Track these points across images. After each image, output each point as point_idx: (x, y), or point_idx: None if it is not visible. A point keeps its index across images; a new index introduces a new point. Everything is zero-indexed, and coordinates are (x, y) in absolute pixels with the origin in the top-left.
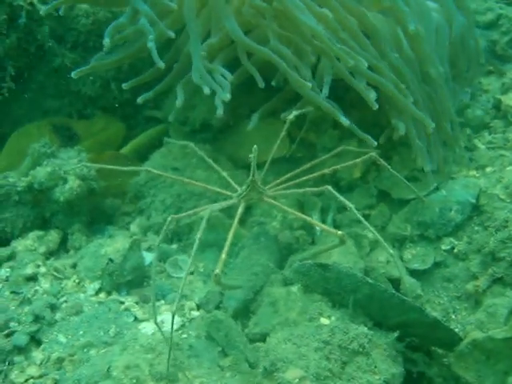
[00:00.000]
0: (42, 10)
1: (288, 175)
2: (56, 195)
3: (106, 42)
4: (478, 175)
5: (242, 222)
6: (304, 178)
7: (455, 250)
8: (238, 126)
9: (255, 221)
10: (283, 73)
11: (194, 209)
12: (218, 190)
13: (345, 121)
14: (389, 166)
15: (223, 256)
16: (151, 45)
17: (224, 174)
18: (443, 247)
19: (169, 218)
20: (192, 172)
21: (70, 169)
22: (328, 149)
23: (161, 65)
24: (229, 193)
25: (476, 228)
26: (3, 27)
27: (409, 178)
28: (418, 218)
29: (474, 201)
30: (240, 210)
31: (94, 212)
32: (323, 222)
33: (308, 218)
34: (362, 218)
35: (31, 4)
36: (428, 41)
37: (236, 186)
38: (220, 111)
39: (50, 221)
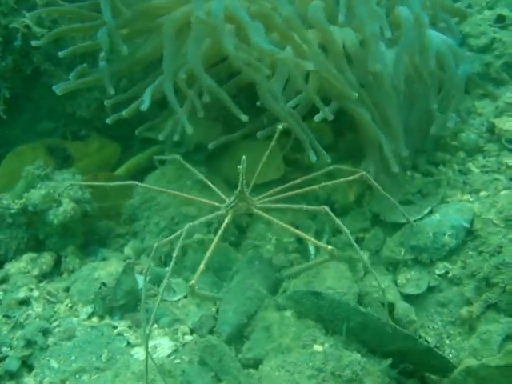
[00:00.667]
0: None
1: (278, 188)
2: (50, 218)
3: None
4: (472, 199)
5: (236, 244)
6: (293, 192)
7: (449, 275)
8: (233, 148)
9: (249, 244)
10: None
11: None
12: (205, 200)
13: (312, 157)
14: (379, 187)
15: (201, 267)
16: (102, 64)
17: (210, 184)
18: (437, 272)
19: (155, 245)
20: (187, 194)
21: (62, 190)
22: (325, 173)
23: (110, 90)
24: (216, 204)
25: (470, 253)
26: None
27: (403, 201)
28: (412, 242)
29: (468, 225)
30: (226, 221)
31: (88, 234)
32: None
33: (298, 232)
34: (356, 244)
35: (27, 27)
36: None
37: (224, 197)
38: (177, 138)
39: (44, 243)
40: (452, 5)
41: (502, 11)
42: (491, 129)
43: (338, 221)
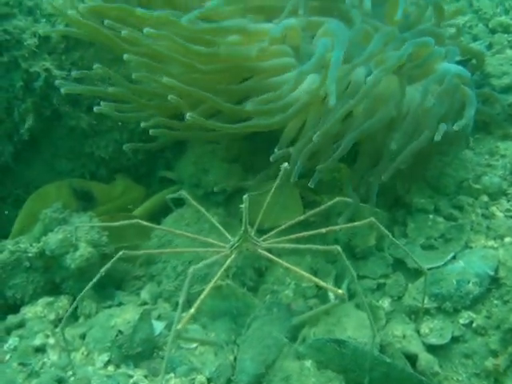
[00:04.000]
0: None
1: (283, 226)
2: (67, 262)
3: None
4: (496, 245)
5: (254, 289)
6: (301, 234)
7: (474, 325)
8: (252, 189)
9: (267, 289)
10: None
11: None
12: (210, 240)
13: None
14: (389, 233)
15: (192, 311)
16: None
17: (214, 221)
18: (461, 321)
19: (120, 253)
20: (205, 237)
21: (73, 233)
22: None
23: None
24: (221, 243)
25: (495, 302)
26: (19, 93)
27: (425, 246)
28: (435, 289)
29: (492, 273)
30: (228, 261)
31: (105, 276)
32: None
33: (306, 274)
34: (360, 289)
35: (47, 70)
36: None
37: (230, 237)
38: None
39: (60, 286)
40: (469, 46)
41: None
42: None
43: (347, 263)
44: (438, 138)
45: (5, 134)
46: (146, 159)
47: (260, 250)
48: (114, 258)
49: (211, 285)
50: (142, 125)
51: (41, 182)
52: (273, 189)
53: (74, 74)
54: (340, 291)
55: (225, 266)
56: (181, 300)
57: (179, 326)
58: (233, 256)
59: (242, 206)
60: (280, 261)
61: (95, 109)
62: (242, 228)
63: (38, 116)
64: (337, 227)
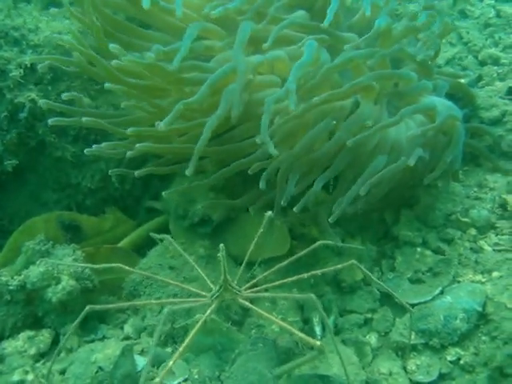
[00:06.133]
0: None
1: (266, 273)
2: (48, 295)
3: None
4: (484, 280)
5: (239, 324)
6: (282, 280)
7: (461, 362)
8: (239, 221)
9: (253, 323)
10: None
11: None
12: (193, 289)
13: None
14: (371, 274)
15: (170, 363)
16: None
17: (197, 267)
18: (449, 358)
19: (87, 308)
20: (190, 271)
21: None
22: (331, 248)
23: None
24: (203, 293)
25: (483, 338)
26: (4, 123)
27: (413, 279)
28: (422, 325)
29: (480, 309)
30: (208, 312)
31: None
32: (323, 324)
33: (288, 326)
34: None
35: (32, 101)
36: None
37: (212, 286)
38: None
39: (42, 320)
40: (460, 83)
41: None
42: (504, 205)
43: (322, 312)
44: (411, 162)
45: None
46: (133, 189)
47: (240, 300)
48: (82, 315)
49: (187, 341)
50: (128, 154)
51: (26, 213)
52: (259, 232)
53: (64, 96)
54: (318, 342)
55: (205, 316)
56: (154, 341)
57: (157, 380)
58: (213, 306)
59: (219, 254)
60: (259, 310)
61: (86, 151)
62: (222, 277)
63: (23, 147)
64: (318, 271)
